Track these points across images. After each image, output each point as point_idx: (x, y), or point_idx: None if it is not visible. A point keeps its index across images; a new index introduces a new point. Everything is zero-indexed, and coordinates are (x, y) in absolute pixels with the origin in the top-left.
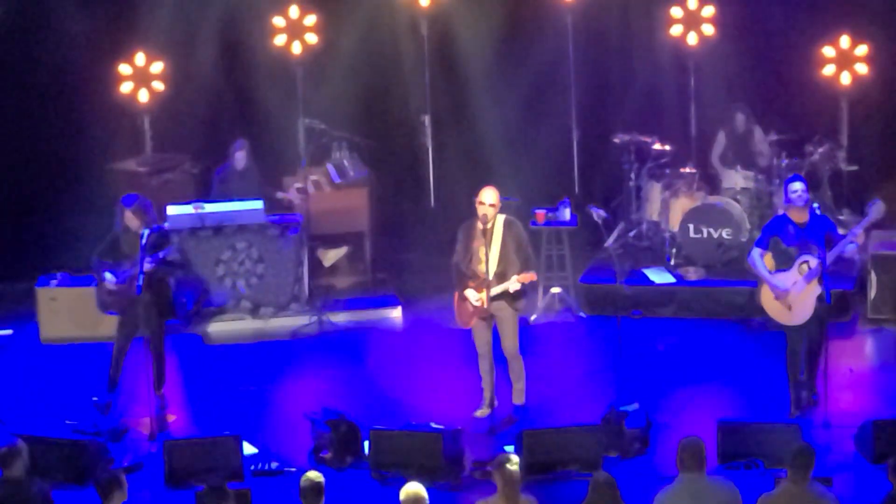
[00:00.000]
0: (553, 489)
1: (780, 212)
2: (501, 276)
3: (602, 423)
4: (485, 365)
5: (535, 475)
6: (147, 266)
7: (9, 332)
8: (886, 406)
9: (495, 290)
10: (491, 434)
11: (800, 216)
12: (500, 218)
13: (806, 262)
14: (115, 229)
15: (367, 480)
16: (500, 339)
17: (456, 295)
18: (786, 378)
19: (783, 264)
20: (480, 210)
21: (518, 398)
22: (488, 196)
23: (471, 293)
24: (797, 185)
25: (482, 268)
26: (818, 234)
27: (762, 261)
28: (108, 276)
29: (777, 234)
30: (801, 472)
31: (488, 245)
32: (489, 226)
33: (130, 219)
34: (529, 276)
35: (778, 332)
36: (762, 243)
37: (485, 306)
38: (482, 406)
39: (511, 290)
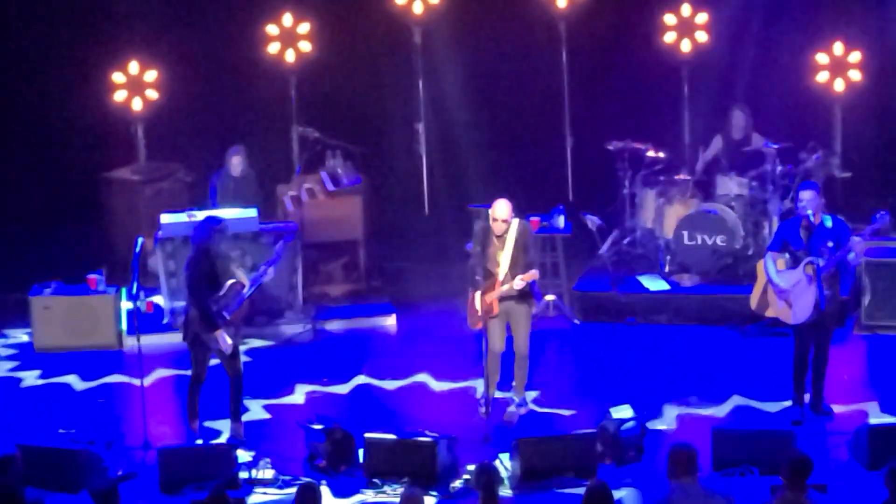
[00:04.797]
0: (548, 497)
1: (775, 218)
2: (512, 279)
3: (597, 430)
4: (493, 364)
5: (530, 483)
6: (269, 276)
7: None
8: (881, 412)
9: (500, 291)
10: (486, 442)
11: (815, 216)
12: (516, 221)
13: (812, 263)
14: (208, 261)
15: (362, 488)
16: (513, 339)
17: (470, 295)
18: (785, 382)
19: (793, 264)
20: (495, 227)
21: (518, 393)
22: (500, 211)
23: (477, 299)
24: (804, 195)
25: (497, 270)
26: (829, 238)
27: (772, 262)
28: (223, 334)
29: (787, 237)
30: (798, 481)
31: (503, 248)
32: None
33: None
34: (531, 275)
35: (773, 338)
36: (774, 245)
37: (494, 312)
38: (483, 406)
39: (516, 288)
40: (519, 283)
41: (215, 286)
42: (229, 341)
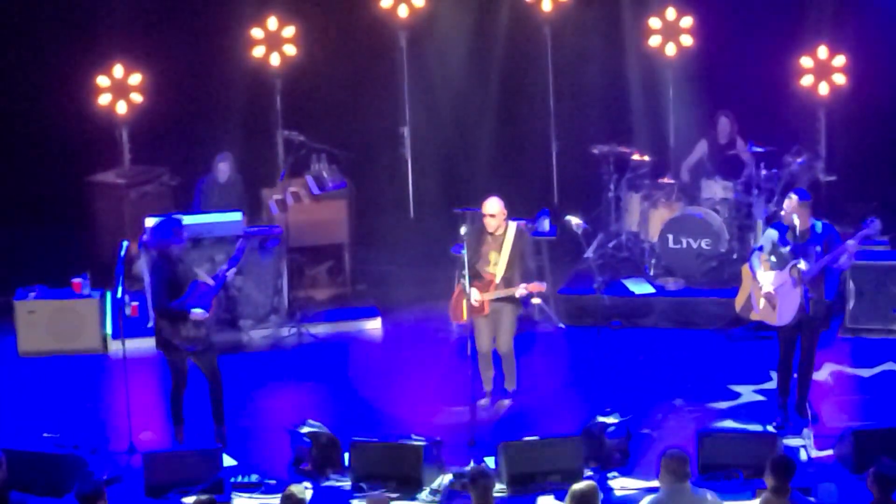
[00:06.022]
0: (533, 500)
1: (759, 222)
2: (508, 282)
3: (582, 434)
4: (484, 363)
5: (516, 486)
6: (231, 275)
7: None
8: (866, 415)
9: (499, 294)
10: (471, 446)
11: (800, 222)
12: (513, 225)
13: (797, 265)
14: (170, 265)
15: (348, 493)
16: (496, 335)
17: (457, 289)
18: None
19: (779, 266)
20: (488, 223)
21: (509, 385)
22: (489, 206)
23: (474, 292)
24: (786, 203)
25: (490, 270)
26: (817, 242)
27: (758, 261)
28: (198, 311)
29: (776, 239)
30: (781, 482)
31: (499, 250)
32: (500, 232)
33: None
34: (538, 287)
35: (757, 341)
36: (761, 247)
37: (484, 311)
38: (484, 397)
39: (517, 296)
40: (521, 290)
41: (178, 290)
42: (199, 311)
